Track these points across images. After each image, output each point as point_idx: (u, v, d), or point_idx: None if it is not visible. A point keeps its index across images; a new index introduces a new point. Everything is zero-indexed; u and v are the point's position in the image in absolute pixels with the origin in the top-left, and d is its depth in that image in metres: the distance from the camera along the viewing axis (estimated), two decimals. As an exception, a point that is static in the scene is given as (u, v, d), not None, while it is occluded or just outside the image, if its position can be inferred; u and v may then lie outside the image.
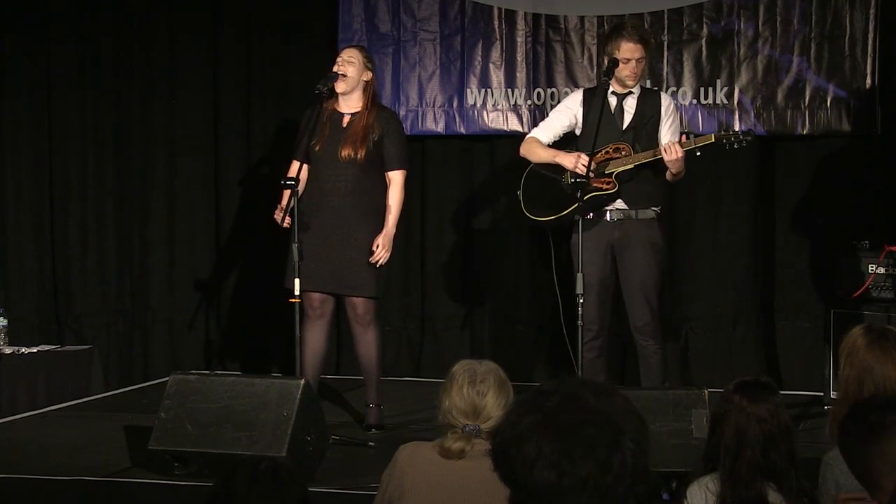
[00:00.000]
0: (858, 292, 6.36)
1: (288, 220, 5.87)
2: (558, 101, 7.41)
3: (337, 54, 6.30)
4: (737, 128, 7.15)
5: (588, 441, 1.80)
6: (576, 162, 5.97)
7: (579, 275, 5.60)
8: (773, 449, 3.34)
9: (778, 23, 7.17)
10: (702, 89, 7.24)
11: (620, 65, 5.98)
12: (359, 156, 6.03)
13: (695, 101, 7.20)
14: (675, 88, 7.24)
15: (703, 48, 7.27)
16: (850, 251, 6.54)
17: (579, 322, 5.63)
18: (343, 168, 6.07)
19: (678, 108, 6.36)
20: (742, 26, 7.21)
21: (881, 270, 6.33)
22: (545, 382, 1.94)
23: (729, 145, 5.88)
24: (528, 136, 6.38)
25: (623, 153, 5.99)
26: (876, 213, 7.06)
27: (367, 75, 6.17)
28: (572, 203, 5.92)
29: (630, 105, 6.09)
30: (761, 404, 3.36)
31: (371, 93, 6.18)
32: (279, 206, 6.06)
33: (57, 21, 8.07)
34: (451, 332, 7.75)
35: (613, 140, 6.02)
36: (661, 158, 5.86)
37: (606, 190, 5.96)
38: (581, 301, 5.62)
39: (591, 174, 5.85)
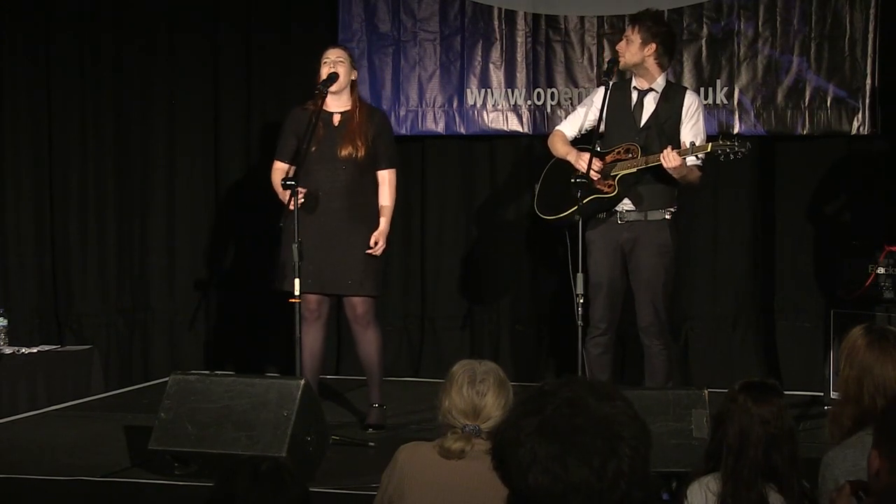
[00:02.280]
0: (858, 292, 6.35)
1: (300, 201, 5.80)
2: (558, 102, 7.43)
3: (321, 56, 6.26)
4: (737, 129, 7.14)
5: (583, 448, 1.80)
6: (577, 160, 5.96)
7: (579, 275, 5.59)
8: (776, 451, 3.34)
9: (778, 23, 7.17)
10: (702, 89, 7.23)
11: None
12: (359, 154, 6.06)
13: (695, 101, 7.20)
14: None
15: (703, 48, 7.26)
16: (850, 251, 6.54)
17: (579, 322, 5.62)
18: (340, 168, 6.07)
19: (702, 106, 6.22)
20: (742, 26, 7.21)
21: (881, 270, 6.33)
22: (549, 382, 1.93)
23: (724, 157, 5.76)
24: (555, 128, 6.36)
25: (632, 155, 5.94)
26: (876, 213, 7.06)
27: (354, 74, 6.25)
28: (574, 204, 5.90)
29: (650, 102, 6.01)
30: (765, 406, 3.37)
31: (357, 91, 6.26)
32: (287, 209, 5.89)
33: (57, 21, 8.07)
34: (451, 332, 7.75)
35: (629, 138, 5.96)
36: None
37: (607, 193, 5.92)
38: (580, 301, 5.60)
39: (598, 175, 5.83)
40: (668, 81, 6.11)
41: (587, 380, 1.93)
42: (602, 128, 6.01)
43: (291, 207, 5.70)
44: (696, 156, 5.84)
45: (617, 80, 6.06)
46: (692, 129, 5.95)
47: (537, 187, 6.32)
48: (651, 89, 6.01)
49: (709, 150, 5.78)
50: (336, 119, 6.15)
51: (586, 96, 6.71)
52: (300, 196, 5.82)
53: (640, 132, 5.97)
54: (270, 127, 7.95)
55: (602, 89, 6.08)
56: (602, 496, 1.78)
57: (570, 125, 6.24)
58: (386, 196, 6.17)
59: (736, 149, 5.74)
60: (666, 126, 5.96)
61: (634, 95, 6.02)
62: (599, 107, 5.95)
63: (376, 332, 6.21)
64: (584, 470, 1.78)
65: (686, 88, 6.30)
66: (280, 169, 6.15)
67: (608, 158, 5.94)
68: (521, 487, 1.83)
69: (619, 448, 1.80)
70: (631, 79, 6.04)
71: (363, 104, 6.27)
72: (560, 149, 6.16)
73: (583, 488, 1.78)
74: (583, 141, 6.17)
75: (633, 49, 5.95)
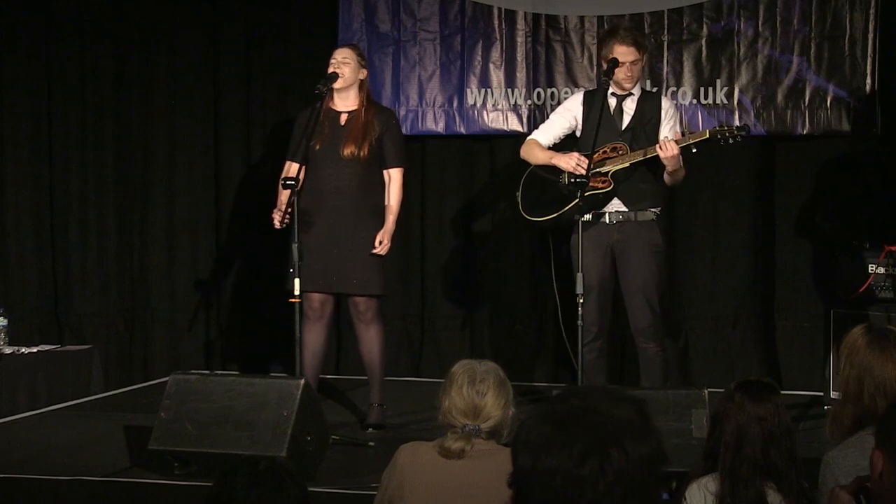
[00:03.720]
0: (858, 292, 6.35)
1: (287, 219, 5.89)
2: (558, 102, 7.42)
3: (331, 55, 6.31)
4: (736, 128, 7.16)
5: (570, 437, 1.81)
6: (575, 164, 5.97)
7: (579, 275, 5.59)
8: (774, 448, 3.35)
9: (778, 23, 7.17)
10: (702, 89, 7.23)
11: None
12: (362, 153, 6.06)
13: (695, 101, 7.20)
14: (675, 88, 7.24)
15: (703, 48, 7.27)
16: (850, 251, 6.54)
17: (579, 322, 5.62)
18: (345, 166, 6.08)
19: (678, 109, 6.33)
20: (742, 26, 7.21)
21: (881, 270, 6.33)
22: (587, 385, 1.96)
23: (724, 140, 5.83)
24: (528, 137, 6.38)
25: (620, 152, 5.99)
26: (876, 213, 7.06)
27: (363, 73, 6.23)
28: (568, 203, 5.92)
29: (629, 107, 6.09)
30: (762, 404, 3.38)
31: (367, 90, 6.24)
32: (277, 208, 6.07)
33: (57, 23, 8.07)
34: (451, 332, 7.75)
35: (612, 141, 6.02)
36: (658, 157, 5.85)
37: (602, 189, 5.95)
38: (581, 301, 5.60)
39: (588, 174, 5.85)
40: (641, 88, 6.22)
41: (617, 388, 1.96)
42: (582, 132, 6.11)
43: (292, 206, 5.75)
44: (690, 147, 5.88)
45: (590, 85, 6.14)
46: (671, 130, 6.05)
47: (518, 195, 6.33)
48: (630, 93, 6.08)
49: (707, 136, 5.85)
50: (343, 118, 6.16)
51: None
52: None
53: (623, 134, 6.05)
54: (270, 127, 7.97)
55: (577, 96, 6.28)
56: (575, 489, 1.79)
57: (545, 133, 6.28)
58: (392, 195, 6.15)
59: (735, 132, 5.80)
60: (647, 128, 6.05)
61: (613, 101, 6.09)
62: (576, 114, 6.10)
63: (378, 330, 6.21)
64: (563, 457, 1.80)
65: (659, 93, 6.47)
66: (291, 169, 6.13)
67: (595, 158, 5.95)
68: (514, 466, 1.86)
69: (609, 450, 1.80)
70: (608, 85, 6.08)
71: (371, 103, 6.24)
72: (540, 155, 6.19)
73: (557, 475, 1.80)
74: (557, 149, 6.21)
75: (638, 70, 6.08)
